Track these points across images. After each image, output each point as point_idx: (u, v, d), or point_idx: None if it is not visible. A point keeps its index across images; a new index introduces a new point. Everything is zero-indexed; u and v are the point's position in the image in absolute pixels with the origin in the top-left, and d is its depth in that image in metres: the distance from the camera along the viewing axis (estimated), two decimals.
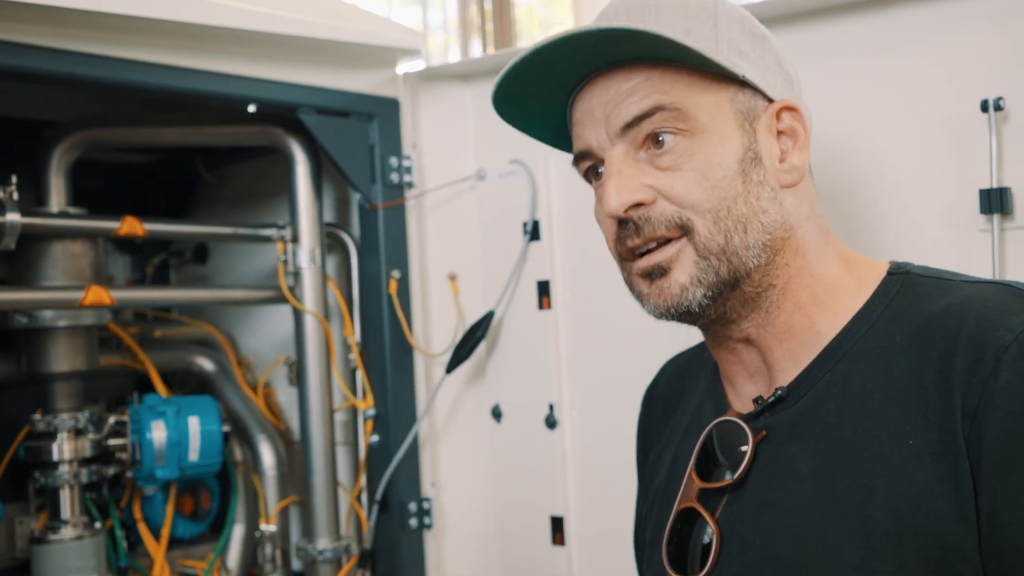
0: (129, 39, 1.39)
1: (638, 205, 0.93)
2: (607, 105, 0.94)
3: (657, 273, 0.94)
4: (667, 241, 0.93)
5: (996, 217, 1.21)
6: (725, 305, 0.95)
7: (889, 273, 0.96)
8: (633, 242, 0.94)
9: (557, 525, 1.65)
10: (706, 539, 0.96)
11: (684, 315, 0.94)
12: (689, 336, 1.31)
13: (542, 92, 0.98)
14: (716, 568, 0.93)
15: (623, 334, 1.59)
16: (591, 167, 0.98)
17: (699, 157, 0.92)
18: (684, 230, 0.92)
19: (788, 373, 0.97)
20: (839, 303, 0.96)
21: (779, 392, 0.95)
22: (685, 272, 0.92)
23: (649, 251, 0.94)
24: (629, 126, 0.93)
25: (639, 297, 0.97)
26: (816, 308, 0.96)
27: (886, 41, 1.30)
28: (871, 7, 1.31)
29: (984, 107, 1.21)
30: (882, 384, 0.89)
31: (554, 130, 1.05)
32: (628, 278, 0.98)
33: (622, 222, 0.94)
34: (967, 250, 1.24)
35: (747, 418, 0.97)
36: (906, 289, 0.94)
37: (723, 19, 0.95)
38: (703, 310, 0.94)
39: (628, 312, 1.57)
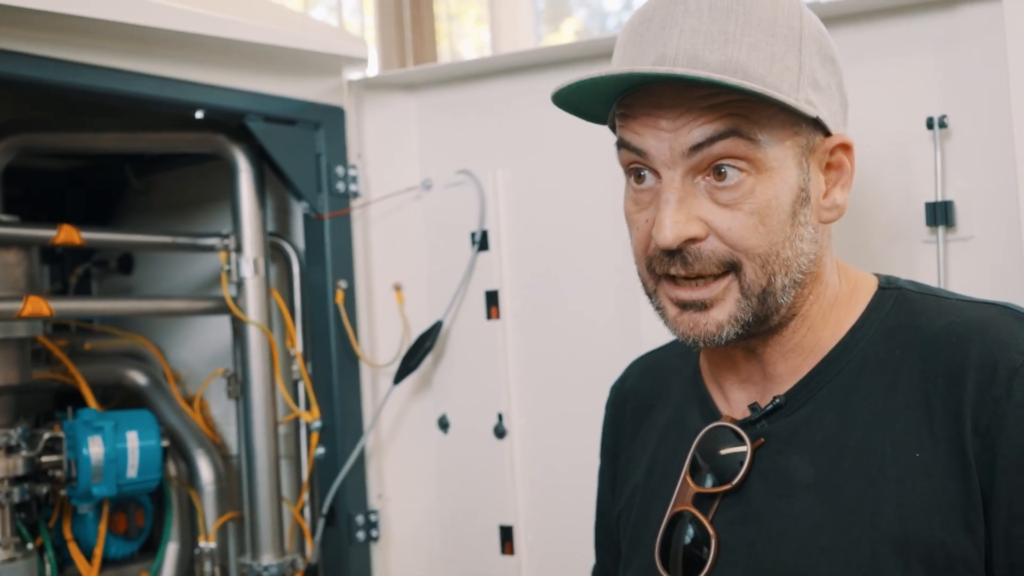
0: (75, 41, 1.34)
1: (692, 239, 0.90)
2: (676, 120, 0.89)
3: (696, 307, 0.93)
4: (713, 276, 0.92)
5: (941, 229, 1.28)
6: (749, 335, 0.96)
7: (881, 287, 1.00)
8: (678, 271, 0.92)
9: (507, 534, 1.65)
10: (687, 539, 0.97)
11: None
12: (640, 346, 1.34)
13: (604, 88, 0.93)
14: (715, 572, 0.95)
15: (571, 343, 1.61)
16: (635, 166, 0.94)
17: (759, 198, 0.90)
18: (733, 268, 0.91)
19: (785, 383, 0.99)
20: (835, 316, 0.98)
21: (777, 400, 0.97)
22: (726, 311, 0.92)
23: (690, 279, 0.93)
24: (699, 147, 0.88)
25: (664, 316, 0.96)
26: (824, 327, 0.98)
27: None
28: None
29: (929, 124, 1.28)
30: (885, 397, 0.92)
31: (597, 110, 0.99)
32: (656, 294, 0.96)
33: (671, 251, 0.91)
34: (913, 260, 1.30)
35: (742, 424, 0.99)
36: (900, 304, 0.97)
37: (807, 43, 0.92)
38: (729, 342, 0.94)
39: (577, 321, 1.61)
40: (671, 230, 0.89)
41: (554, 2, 5.50)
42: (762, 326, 0.95)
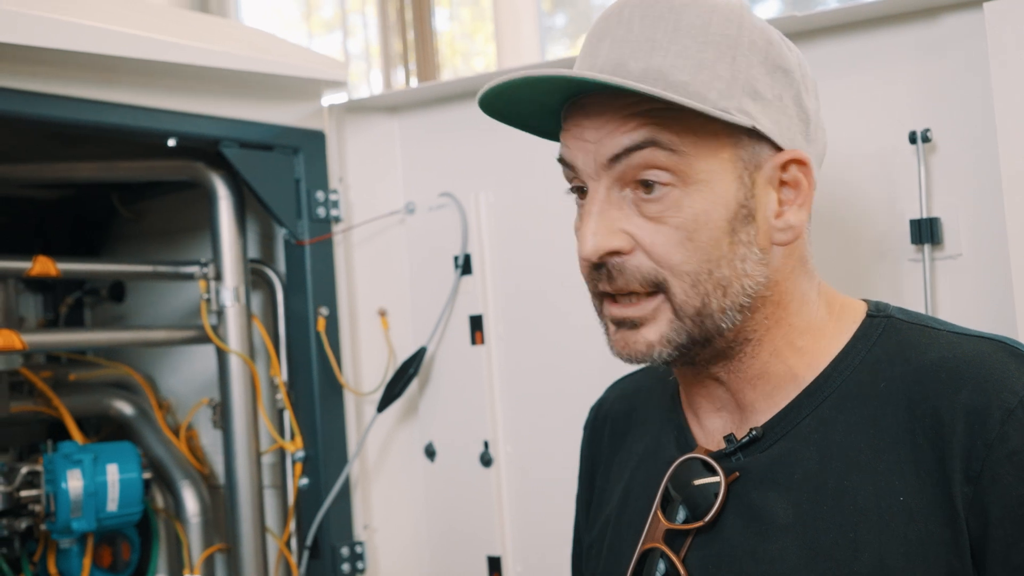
0: (45, 72, 1.33)
1: (614, 252, 0.88)
2: (599, 131, 0.87)
3: (627, 325, 0.90)
4: (645, 294, 0.88)
5: (927, 247, 1.22)
6: (691, 356, 0.92)
7: (869, 315, 0.93)
8: (605, 287, 0.90)
9: (494, 565, 1.61)
10: None
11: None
12: (625, 369, 1.29)
13: (536, 98, 0.91)
14: None
15: (558, 368, 1.57)
16: (576, 183, 0.92)
17: (687, 212, 0.86)
18: (659, 288, 0.88)
19: (762, 413, 0.93)
20: (817, 346, 0.92)
21: (753, 433, 0.92)
22: (657, 331, 0.89)
23: (622, 296, 0.90)
24: (618, 158, 0.86)
25: (606, 334, 0.93)
26: (793, 354, 0.92)
27: (814, 73, 1.31)
28: (798, 39, 1.32)
29: (912, 139, 1.22)
30: (867, 433, 0.86)
31: (548, 127, 0.97)
32: (601, 312, 0.93)
33: (596, 264, 0.89)
34: (898, 279, 1.25)
35: (716, 456, 0.94)
36: (889, 333, 0.91)
37: (744, 50, 0.87)
38: (665, 363, 0.91)
39: (562, 346, 1.57)
40: (590, 242, 0.87)
41: (576, 18, 5.47)
42: (704, 349, 0.90)
